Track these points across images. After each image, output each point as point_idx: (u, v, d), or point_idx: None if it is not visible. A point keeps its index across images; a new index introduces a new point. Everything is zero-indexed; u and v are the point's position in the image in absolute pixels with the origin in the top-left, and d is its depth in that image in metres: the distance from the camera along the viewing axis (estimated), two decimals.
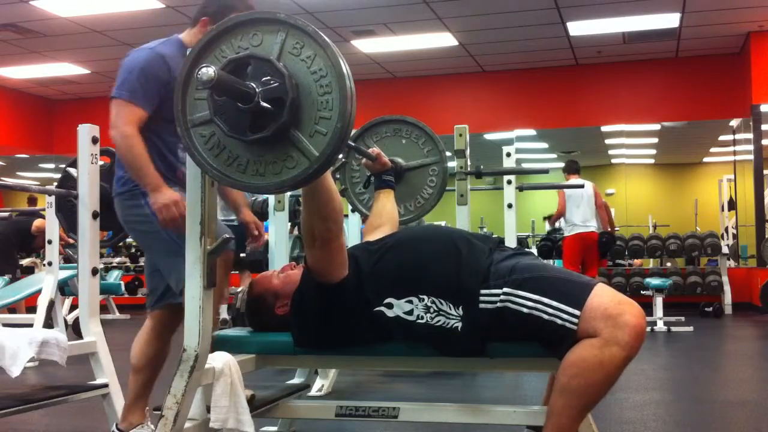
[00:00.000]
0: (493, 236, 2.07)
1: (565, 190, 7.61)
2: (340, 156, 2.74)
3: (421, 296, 1.85)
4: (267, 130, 1.58)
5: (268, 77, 1.59)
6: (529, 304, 1.76)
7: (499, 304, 1.78)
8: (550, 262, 7.14)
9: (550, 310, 1.73)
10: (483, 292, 1.81)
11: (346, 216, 4.29)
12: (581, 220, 7.62)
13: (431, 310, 1.84)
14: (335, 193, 1.83)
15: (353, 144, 2.52)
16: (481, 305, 1.80)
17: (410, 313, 1.86)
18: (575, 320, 1.71)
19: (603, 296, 1.72)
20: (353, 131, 2.35)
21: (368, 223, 2.48)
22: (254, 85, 1.58)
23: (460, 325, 1.82)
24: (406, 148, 2.74)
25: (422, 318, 1.85)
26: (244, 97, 1.57)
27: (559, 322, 1.72)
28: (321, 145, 1.58)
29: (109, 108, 2.52)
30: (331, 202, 1.81)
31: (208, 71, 1.49)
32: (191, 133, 1.67)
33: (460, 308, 1.82)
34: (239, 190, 1.90)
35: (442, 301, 1.84)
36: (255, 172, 1.64)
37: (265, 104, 1.57)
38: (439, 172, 2.74)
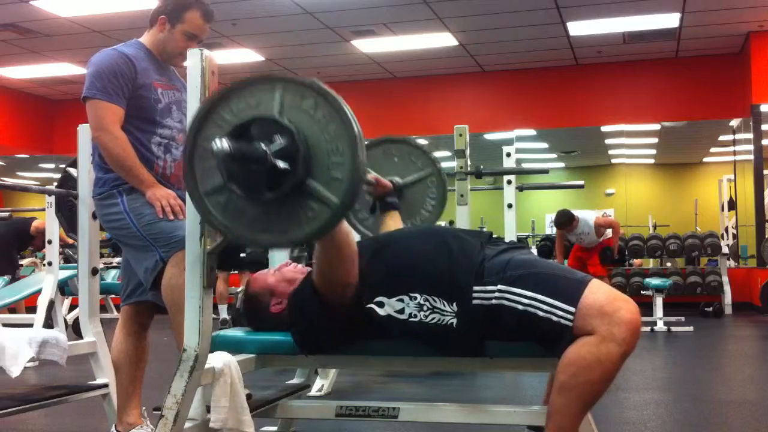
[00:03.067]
0: (484, 231, 2.05)
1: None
2: None
3: (412, 295, 1.84)
4: (283, 187, 1.58)
5: (275, 134, 1.58)
6: (524, 301, 1.75)
7: (494, 302, 1.78)
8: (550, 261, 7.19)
9: (545, 307, 1.73)
10: (477, 288, 1.79)
11: None
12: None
13: (424, 308, 1.83)
14: (351, 231, 1.83)
15: None
16: (475, 301, 1.79)
17: (401, 311, 1.84)
18: (570, 317, 1.70)
19: (598, 293, 1.72)
20: None
21: None
22: (264, 146, 1.57)
23: (455, 321, 1.80)
24: (399, 166, 2.70)
25: (415, 316, 1.83)
26: (258, 160, 1.56)
27: (555, 319, 1.71)
28: (339, 191, 1.58)
29: (87, 109, 2.54)
30: (351, 243, 1.81)
31: (222, 145, 1.50)
32: (205, 202, 1.67)
33: (454, 304, 1.81)
34: (263, 248, 1.92)
35: (436, 299, 1.82)
36: (277, 229, 1.63)
37: (278, 162, 1.56)
38: (437, 182, 2.70)
